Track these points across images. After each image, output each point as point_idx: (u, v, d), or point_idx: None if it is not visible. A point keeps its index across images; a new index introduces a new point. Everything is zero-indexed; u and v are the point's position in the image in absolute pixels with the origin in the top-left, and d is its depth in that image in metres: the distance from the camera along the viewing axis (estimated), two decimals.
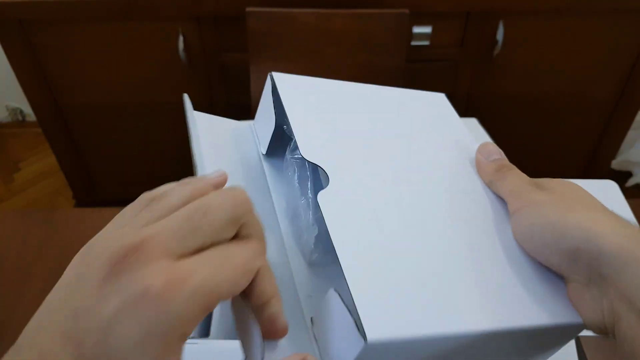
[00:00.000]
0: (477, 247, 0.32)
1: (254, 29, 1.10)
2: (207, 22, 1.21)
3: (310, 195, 0.37)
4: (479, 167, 0.36)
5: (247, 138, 0.43)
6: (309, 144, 0.35)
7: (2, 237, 0.68)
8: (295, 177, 0.38)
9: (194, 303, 0.20)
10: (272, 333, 0.26)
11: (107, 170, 1.52)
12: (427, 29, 1.21)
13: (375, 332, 0.25)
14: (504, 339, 0.29)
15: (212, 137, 0.40)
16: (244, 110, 1.30)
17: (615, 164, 1.65)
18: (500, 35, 1.20)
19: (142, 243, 0.20)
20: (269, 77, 0.40)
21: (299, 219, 0.36)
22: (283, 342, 0.28)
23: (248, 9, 1.08)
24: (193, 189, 0.24)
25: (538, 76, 1.32)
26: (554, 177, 0.33)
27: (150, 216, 0.23)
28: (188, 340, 0.21)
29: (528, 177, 0.33)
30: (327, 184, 0.33)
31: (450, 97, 0.45)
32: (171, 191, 0.24)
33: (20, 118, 2.04)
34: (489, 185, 0.35)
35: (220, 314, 0.28)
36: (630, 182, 1.66)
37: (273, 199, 0.38)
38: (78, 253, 0.22)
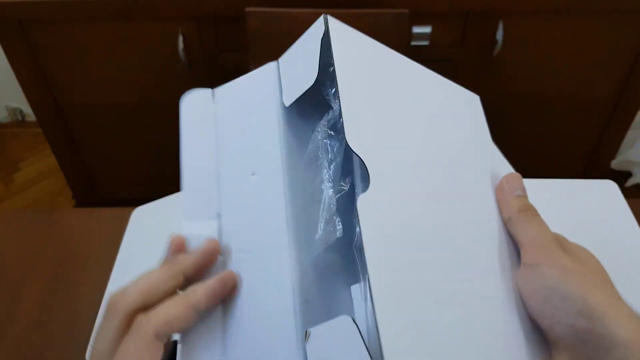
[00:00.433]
0: (479, 291, 0.30)
1: (254, 29, 1.10)
2: (207, 22, 1.21)
3: (343, 185, 0.33)
4: (502, 199, 0.34)
5: (265, 79, 0.37)
6: (357, 130, 0.30)
7: (2, 237, 0.68)
8: (326, 159, 0.34)
9: None
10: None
11: (107, 170, 1.52)
12: (426, 29, 1.21)
13: None
14: None
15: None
16: None
17: (615, 164, 1.65)
18: (499, 35, 1.20)
19: None
20: (320, 19, 0.34)
21: (316, 207, 0.32)
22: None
23: (248, 9, 1.08)
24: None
25: (538, 76, 1.32)
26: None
27: None
28: None
29: (550, 230, 0.32)
30: (367, 185, 0.29)
31: None
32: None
33: (20, 118, 2.04)
34: (506, 221, 0.33)
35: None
36: (630, 182, 1.66)
37: (284, 168, 0.33)
38: None
